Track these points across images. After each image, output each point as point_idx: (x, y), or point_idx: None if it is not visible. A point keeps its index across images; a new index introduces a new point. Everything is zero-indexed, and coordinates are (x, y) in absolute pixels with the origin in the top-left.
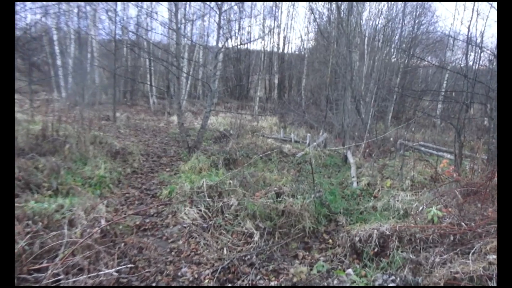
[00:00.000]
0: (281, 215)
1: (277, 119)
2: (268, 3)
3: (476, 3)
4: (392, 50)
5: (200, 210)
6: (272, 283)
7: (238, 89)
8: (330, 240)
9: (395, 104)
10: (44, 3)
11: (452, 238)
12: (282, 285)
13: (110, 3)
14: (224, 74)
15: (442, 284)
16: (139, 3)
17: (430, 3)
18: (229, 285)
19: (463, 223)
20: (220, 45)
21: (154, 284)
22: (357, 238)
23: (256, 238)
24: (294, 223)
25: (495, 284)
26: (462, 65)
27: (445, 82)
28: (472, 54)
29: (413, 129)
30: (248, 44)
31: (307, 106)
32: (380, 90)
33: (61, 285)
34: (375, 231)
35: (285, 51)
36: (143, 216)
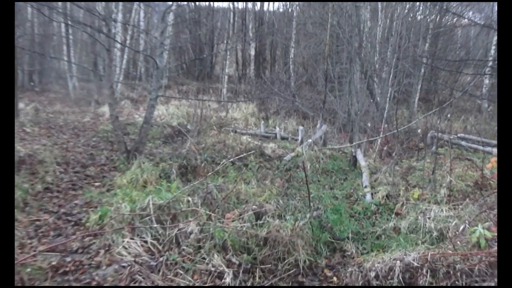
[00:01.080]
0: (263, 245)
1: (255, 106)
2: None
3: None
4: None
5: (146, 242)
6: None
7: (198, 65)
8: (335, 278)
9: (424, 81)
10: None
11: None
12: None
13: None
14: (176, 43)
15: None
16: None
17: None
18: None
19: None
20: (169, 1)
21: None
22: (372, 274)
23: (228, 279)
24: (283, 256)
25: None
26: None
27: (493, 47)
28: None
29: (449, 115)
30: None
31: (298, 87)
32: (401, 61)
33: None
34: (398, 262)
35: (265, 8)
36: (62, 253)
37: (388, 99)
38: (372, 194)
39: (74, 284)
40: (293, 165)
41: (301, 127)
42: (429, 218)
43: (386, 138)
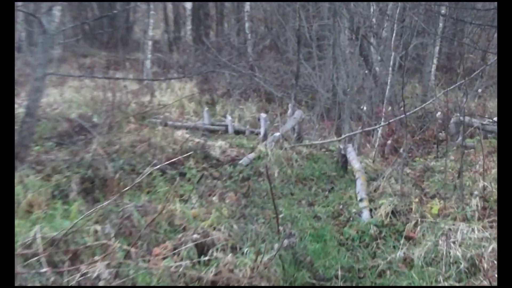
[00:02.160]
0: None
1: (195, 86)
2: None
3: None
4: None
5: None
6: None
7: (107, 27)
8: None
9: (443, 41)
10: None
11: None
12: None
13: None
14: None
15: None
16: None
17: None
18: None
19: None
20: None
21: None
22: None
23: None
24: None
25: None
26: None
27: None
28: None
29: (481, 90)
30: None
31: (259, 55)
32: (409, 12)
33: None
34: None
35: None
36: None
37: (391, 69)
38: (371, 210)
39: None
40: (253, 172)
41: (263, 115)
42: (454, 242)
43: (390, 127)
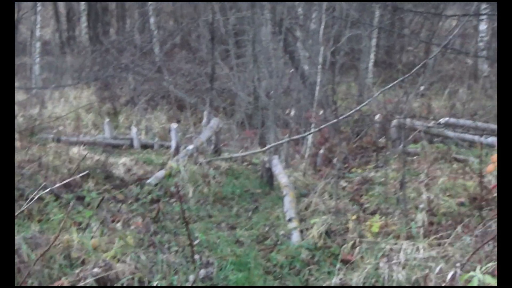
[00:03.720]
0: None
1: (94, 94)
2: None
3: None
4: None
5: None
6: None
7: None
8: None
9: (381, 33)
10: None
11: None
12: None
13: None
14: None
15: None
16: None
17: None
18: None
19: None
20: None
21: None
22: None
23: None
24: None
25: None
26: None
27: None
28: None
29: (423, 87)
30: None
31: (168, 54)
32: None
33: None
34: None
35: None
36: None
37: (321, 66)
38: (302, 231)
39: None
40: (163, 193)
41: (174, 126)
42: (397, 264)
43: (322, 134)
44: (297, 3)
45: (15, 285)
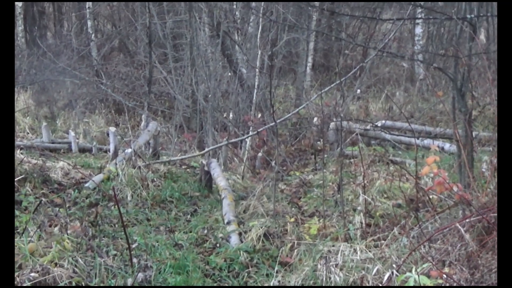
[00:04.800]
0: None
1: (31, 97)
2: None
3: None
4: None
5: None
6: None
7: None
8: None
9: (318, 36)
10: None
11: None
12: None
13: None
14: None
15: None
16: None
17: None
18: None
19: None
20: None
21: None
22: None
23: None
24: None
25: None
26: None
27: None
28: None
29: (359, 90)
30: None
31: (106, 57)
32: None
33: None
34: None
35: None
36: None
37: (259, 70)
38: (240, 234)
39: None
40: (101, 196)
41: (112, 129)
42: (335, 265)
43: (261, 137)
44: (234, 7)
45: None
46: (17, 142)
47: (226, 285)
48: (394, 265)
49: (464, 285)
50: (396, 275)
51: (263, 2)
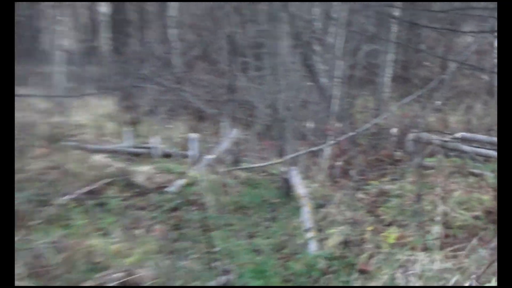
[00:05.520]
0: None
1: (115, 103)
2: None
3: None
4: None
5: None
6: None
7: (18, 39)
8: None
9: (398, 48)
10: None
11: None
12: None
13: None
14: None
15: None
16: None
17: None
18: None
19: None
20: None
21: None
22: None
23: None
24: None
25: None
26: None
27: None
28: None
29: (439, 102)
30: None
31: (188, 66)
32: (358, 14)
33: None
34: None
35: None
36: None
37: (339, 80)
38: (319, 241)
39: None
40: (183, 201)
41: (194, 136)
42: (413, 275)
43: (340, 146)
44: (315, 17)
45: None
46: (102, 146)
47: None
48: (473, 276)
49: None
50: (476, 285)
51: (345, 14)
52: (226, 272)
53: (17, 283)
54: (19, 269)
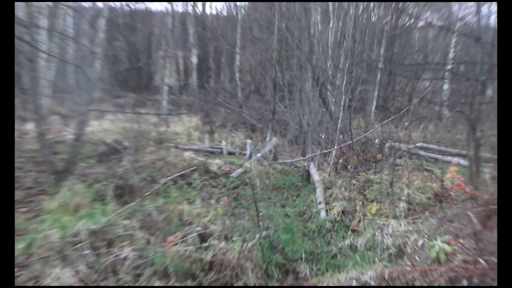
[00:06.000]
0: (209, 270)
1: (199, 119)
2: None
3: None
4: (372, 4)
5: (78, 272)
6: None
7: (135, 76)
8: None
9: (380, 88)
10: None
11: (466, 282)
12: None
13: None
14: (109, 51)
15: None
16: None
17: None
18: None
19: (481, 260)
20: (100, 4)
21: None
22: None
23: None
24: (231, 280)
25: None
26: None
27: (451, 50)
28: (488, 5)
29: (407, 124)
30: (146, 1)
31: (245, 96)
32: (355, 67)
33: None
34: (354, 282)
35: (207, 11)
36: None
37: (342, 107)
38: (327, 210)
39: None
40: (240, 182)
41: (249, 141)
42: (387, 234)
43: (341, 149)
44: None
45: None
46: (190, 146)
47: (317, 242)
48: (425, 236)
49: (484, 265)
50: (427, 242)
51: (347, 66)
52: (267, 228)
53: (132, 233)
54: (136, 223)
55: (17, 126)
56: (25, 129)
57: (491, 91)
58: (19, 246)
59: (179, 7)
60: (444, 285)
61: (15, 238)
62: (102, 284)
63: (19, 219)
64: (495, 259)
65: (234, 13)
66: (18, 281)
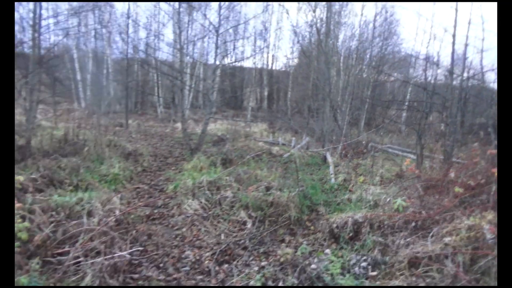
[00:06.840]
0: (270, 206)
1: (267, 125)
2: (258, 27)
3: (432, 27)
4: (364, 67)
5: (201, 202)
6: (263, 263)
7: (233, 100)
8: (312, 227)
9: (367, 113)
10: (65, 26)
11: (414, 224)
12: (286, 284)
13: (122, 26)
14: (221, 87)
15: (406, 262)
16: (148, 26)
17: (395, 27)
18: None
19: (423, 212)
20: (217, 62)
21: (161, 265)
22: (334, 225)
23: (249, 225)
24: (281, 213)
25: (495, 284)
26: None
27: (408, 94)
28: (431, 70)
29: (382, 133)
30: (241, 61)
31: (292, 114)
32: (354, 100)
33: (80, 267)
34: (350, 219)
35: (273, 67)
36: (152, 208)
37: (345, 123)
38: (335, 178)
39: (159, 226)
40: (288, 160)
41: (293, 138)
42: (369, 194)
43: (344, 146)
44: (339, 99)
45: None
46: (261, 139)
47: (330, 196)
48: (391, 196)
49: (424, 214)
50: (391, 199)
51: (349, 100)
52: (302, 186)
53: (231, 183)
54: (232, 178)
55: (171, 124)
56: (176, 126)
57: (431, 118)
58: (170, 187)
59: (258, 65)
60: (401, 225)
61: (168, 183)
62: (212, 209)
63: (171, 173)
64: (431, 212)
65: (288, 69)
66: (168, 206)
